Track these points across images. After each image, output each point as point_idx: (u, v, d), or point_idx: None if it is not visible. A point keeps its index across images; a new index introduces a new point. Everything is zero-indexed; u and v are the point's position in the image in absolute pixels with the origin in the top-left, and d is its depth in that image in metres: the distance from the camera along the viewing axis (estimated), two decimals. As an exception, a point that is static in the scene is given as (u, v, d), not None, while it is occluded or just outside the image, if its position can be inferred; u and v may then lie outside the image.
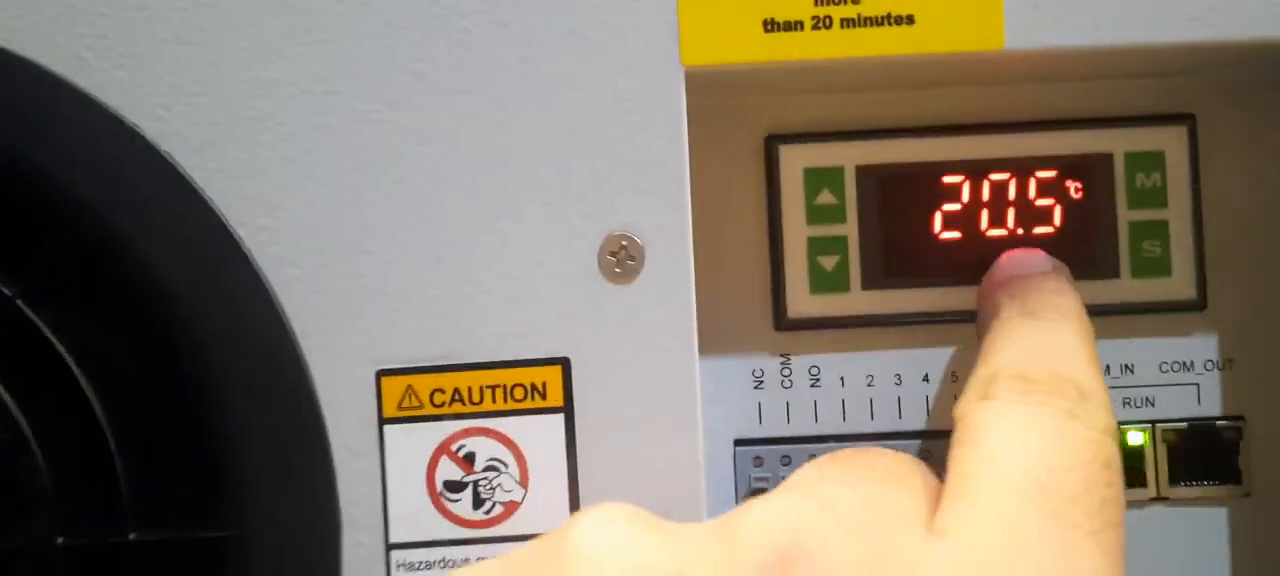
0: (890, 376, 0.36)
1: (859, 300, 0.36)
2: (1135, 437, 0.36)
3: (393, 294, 0.32)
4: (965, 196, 0.36)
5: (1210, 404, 0.36)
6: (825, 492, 0.27)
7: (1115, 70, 0.35)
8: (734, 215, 0.36)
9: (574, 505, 0.31)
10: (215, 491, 0.31)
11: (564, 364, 0.32)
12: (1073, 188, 0.36)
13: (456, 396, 0.32)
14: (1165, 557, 0.36)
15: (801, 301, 0.36)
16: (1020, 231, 0.36)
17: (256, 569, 0.31)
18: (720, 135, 0.36)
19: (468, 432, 0.32)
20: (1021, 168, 0.36)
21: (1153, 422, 0.36)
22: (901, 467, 0.29)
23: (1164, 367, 0.36)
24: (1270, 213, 0.36)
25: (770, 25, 0.32)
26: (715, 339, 0.35)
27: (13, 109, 0.31)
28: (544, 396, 0.31)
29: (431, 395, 0.31)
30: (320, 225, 0.31)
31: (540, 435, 0.31)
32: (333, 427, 0.31)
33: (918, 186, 0.35)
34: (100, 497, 0.32)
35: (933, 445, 0.36)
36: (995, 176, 0.36)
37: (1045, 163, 0.35)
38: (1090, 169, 0.36)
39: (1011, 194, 0.36)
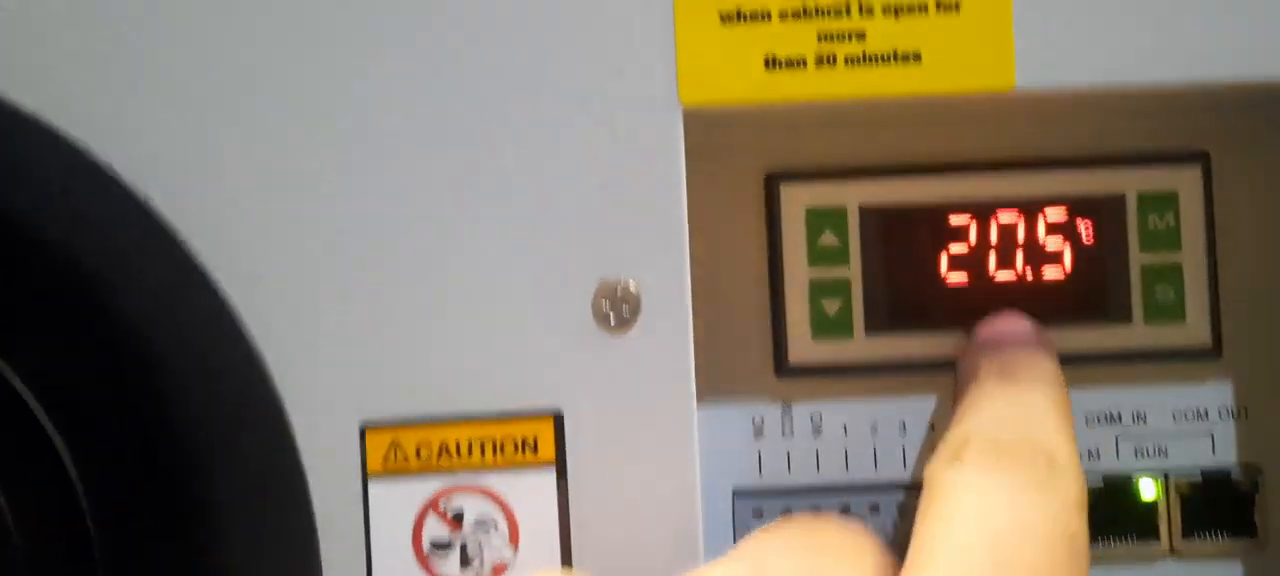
0: (895, 425, 0.35)
1: (863, 346, 0.34)
2: (1147, 488, 0.35)
3: (377, 344, 0.30)
4: (972, 238, 0.35)
5: (1225, 454, 0.35)
6: (768, 564, 0.27)
7: (1127, 107, 0.34)
8: (732, 256, 0.35)
9: (566, 565, 0.30)
10: (191, 550, 0.30)
11: (556, 417, 0.30)
12: (1083, 229, 0.35)
13: (444, 451, 0.30)
14: (1179, 613, 0.35)
15: (803, 346, 0.35)
16: (1029, 274, 0.35)
17: (234, 631, 0.30)
18: (718, 173, 0.35)
19: (455, 489, 0.30)
20: (1030, 208, 0.35)
21: (1166, 473, 0.35)
22: (852, 543, 0.29)
23: (1177, 416, 0.35)
24: (1288, 256, 0.35)
25: (772, 62, 0.31)
26: (713, 385, 0.34)
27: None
28: (535, 451, 0.30)
29: (417, 450, 0.30)
30: (303, 273, 0.30)
31: (531, 492, 0.30)
32: (314, 484, 0.30)
33: (923, 227, 0.34)
34: (71, 555, 0.31)
35: (939, 496, 0.35)
36: (1003, 217, 0.35)
37: (1055, 203, 0.34)
38: (1101, 209, 0.35)
39: (1020, 235, 0.35)
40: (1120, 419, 0.35)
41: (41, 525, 0.31)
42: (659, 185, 0.30)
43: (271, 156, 0.30)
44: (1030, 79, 0.31)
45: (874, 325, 0.35)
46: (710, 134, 0.34)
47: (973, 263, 0.35)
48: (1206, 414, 0.35)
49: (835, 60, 0.31)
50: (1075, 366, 0.34)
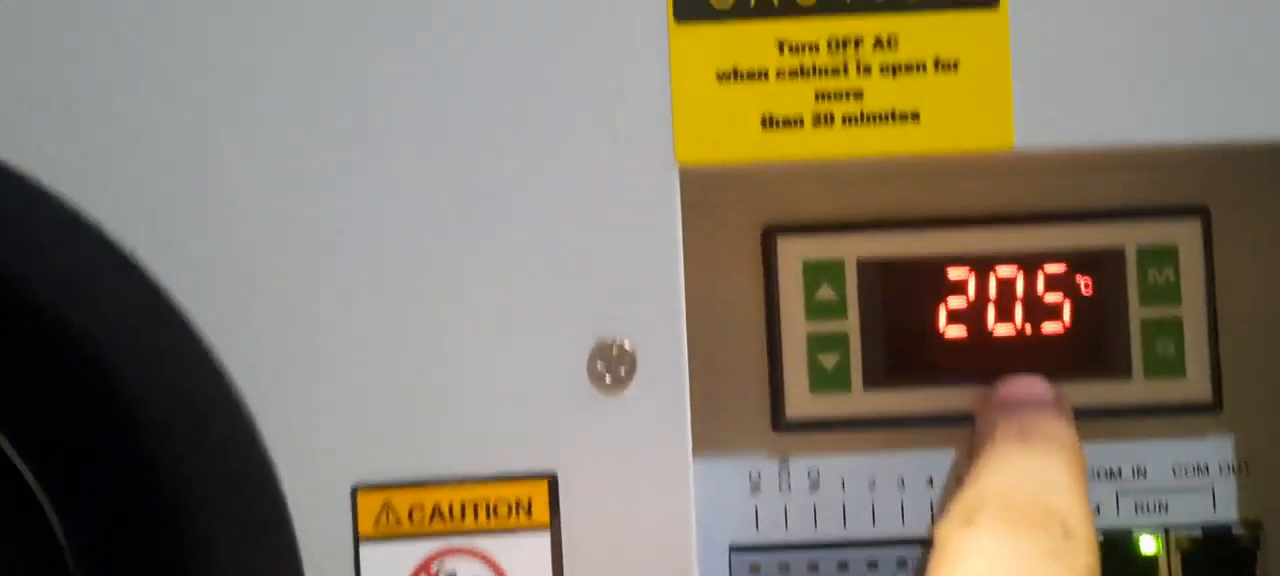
0: (893, 480, 0.35)
1: (861, 400, 0.34)
2: (1148, 544, 0.35)
3: (370, 404, 0.30)
4: (971, 292, 0.34)
5: (1226, 509, 0.35)
6: None
7: (1126, 161, 0.34)
8: (729, 310, 0.35)
9: (560, 629, 0.30)
10: (179, 614, 0.30)
11: (550, 479, 0.30)
12: (1083, 283, 0.34)
13: (437, 513, 0.30)
14: (1180, 673, 0.35)
15: (800, 401, 0.34)
16: (1028, 329, 0.34)
17: (223, 696, 0.29)
18: (715, 226, 0.34)
19: (448, 552, 0.30)
20: (1029, 262, 0.34)
21: (1166, 529, 0.35)
22: None
23: (1178, 471, 0.35)
24: (1288, 310, 0.35)
25: (769, 122, 0.30)
26: (710, 440, 0.34)
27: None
28: (529, 514, 0.30)
29: (410, 512, 0.30)
30: (294, 331, 0.30)
31: (525, 555, 0.30)
32: (305, 547, 0.30)
33: (922, 281, 0.34)
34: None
35: (937, 553, 0.34)
36: (1002, 271, 0.34)
37: (1054, 257, 0.34)
38: (1101, 264, 0.34)
39: (1019, 289, 0.34)
40: (1120, 474, 0.35)
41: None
42: (655, 244, 0.30)
43: (262, 213, 0.30)
44: (1029, 138, 0.30)
45: (872, 379, 0.34)
46: (707, 187, 0.33)
47: (972, 317, 0.34)
48: (1207, 469, 0.35)
49: (833, 119, 0.30)
50: (1075, 421, 0.33)
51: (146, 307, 0.30)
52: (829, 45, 0.30)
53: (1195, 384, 0.34)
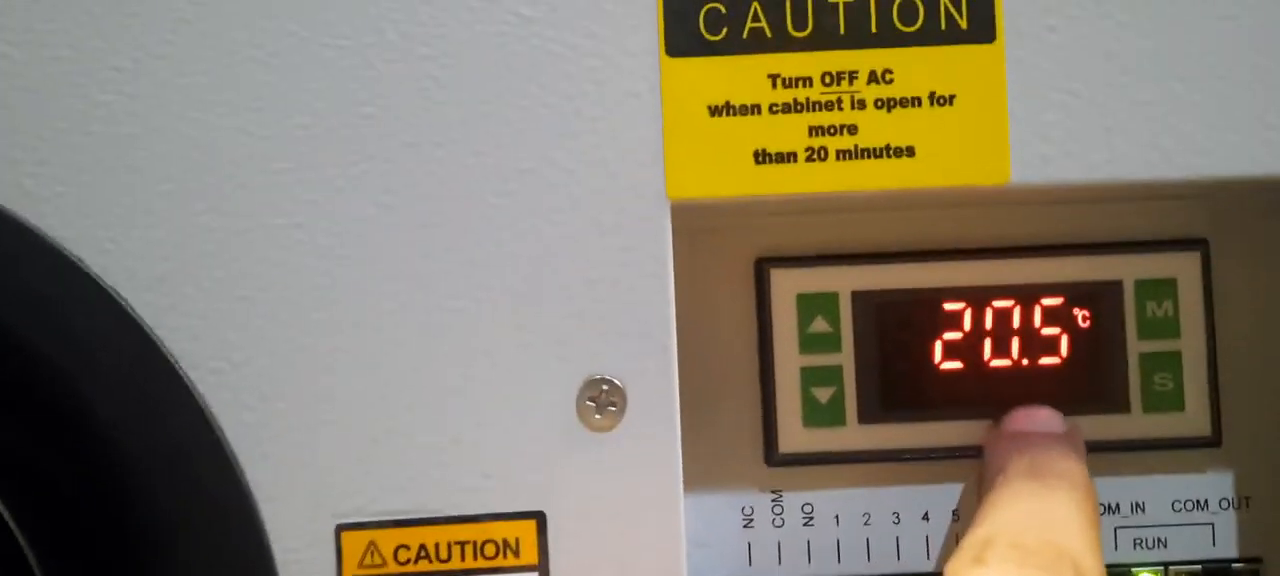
0: (888, 515, 0.34)
1: (855, 434, 0.34)
2: (1147, 581, 0.34)
3: (355, 442, 0.30)
4: (967, 325, 0.34)
5: (1226, 545, 0.34)
6: None
7: (1124, 193, 0.33)
8: (722, 343, 0.34)
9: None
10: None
11: (539, 518, 0.30)
12: (1080, 316, 0.34)
13: (423, 553, 0.30)
14: None
15: (794, 435, 0.34)
16: (1025, 362, 0.34)
17: None
18: (707, 258, 0.34)
19: (434, 593, 0.30)
20: (1026, 295, 0.34)
21: (1165, 564, 0.34)
22: None
23: (1177, 506, 0.35)
24: (1289, 344, 0.34)
25: (762, 156, 0.30)
26: (702, 475, 0.34)
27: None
28: (517, 554, 0.30)
29: (396, 552, 0.29)
30: (277, 368, 0.30)
31: (512, 596, 0.29)
32: (288, 587, 0.29)
33: (917, 314, 0.34)
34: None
35: (933, 590, 0.34)
36: (999, 304, 0.34)
37: (1051, 290, 0.34)
38: (1099, 297, 0.34)
39: (1016, 322, 0.34)
40: (1119, 509, 0.34)
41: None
42: (646, 280, 0.30)
43: (245, 247, 0.30)
44: (1025, 174, 0.30)
45: (867, 413, 0.34)
46: (699, 217, 0.33)
47: (968, 350, 0.34)
48: (1206, 504, 0.35)
49: (826, 154, 0.30)
50: (1079, 454, 0.33)
51: (125, 339, 0.29)
52: (823, 79, 0.30)
53: (1194, 418, 0.34)
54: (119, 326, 0.29)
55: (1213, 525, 0.35)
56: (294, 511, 0.29)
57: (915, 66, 0.30)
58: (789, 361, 0.34)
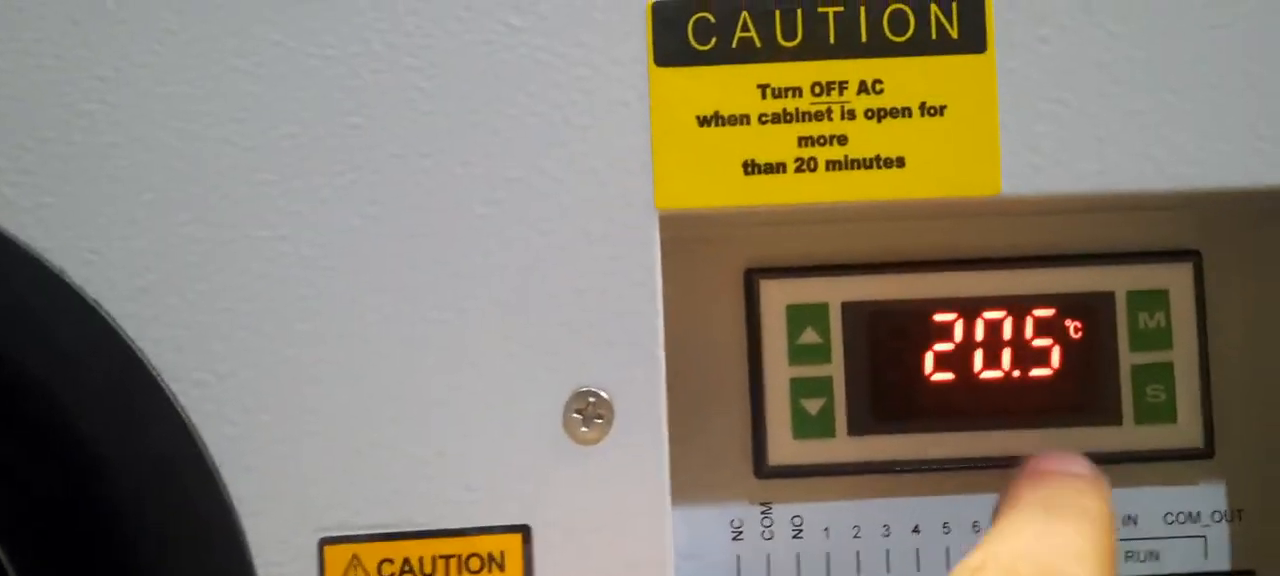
0: (877, 528, 0.34)
1: (845, 446, 0.33)
2: (1139, 594, 0.34)
3: (338, 455, 0.29)
4: (958, 336, 0.34)
5: (1218, 557, 0.34)
6: None
7: (1116, 204, 0.33)
8: (711, 354, 0.34)
9: (534, 688, 0.29)
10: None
11: (524, 531, 0.29)
12: (1072, 327, 0.34)
13: (407, 567, 0.29)
14: None
15: (784, 447, 0.33)
16: (1016, 373, 0.34)
17: None
18: (696, 268, 0.34)
19: (419, 608, 0.29)
20: (1018, 306, 0.34)
21: (1158, 578, 0.34)
22: None
23: (1169, 519, 0.34)
24: (1281, 356, 0.34)
25: (751, 167, 0.30)
26: (691, 487, 0.33)
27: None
28: (502, 568, 0.29)
29: (379, 566, 0.29)
30: (261, 380, 0.29)
31: (498, 611, 0.29)
32: (271, 602, 0.29)
33: (907, 325, 0.33)
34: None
35: (923, 603, 0.34)
36: (990, 315, 0.34)
37: (1043, 301, 0.34)
38: (1090, 308, 0.34)
39: (1007, 333, 0.34)
40: (1110, 522, 0.34)
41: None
42: (634, 292, 0.29)
43: (229, 258, 0.29)
44: (1017, 185, 0.30)
45: (857, 425, 0.34)
46: (688, 227, 0.33)
47: (959, 361, 0.34)
48: (1199, 516, 0.34)
49: (816, 165, 0.30)
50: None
51: (107, 351, 0.29)
52: (812, 89, 0.30)
53: (1186, 430, 0.34)
54: (101, 338, 0.29)
55: (1205, 537, 0.34)
56: (277, 524, 0.29)
57: (906, 77, 0.30)
58: (778, 372, 0.34)
